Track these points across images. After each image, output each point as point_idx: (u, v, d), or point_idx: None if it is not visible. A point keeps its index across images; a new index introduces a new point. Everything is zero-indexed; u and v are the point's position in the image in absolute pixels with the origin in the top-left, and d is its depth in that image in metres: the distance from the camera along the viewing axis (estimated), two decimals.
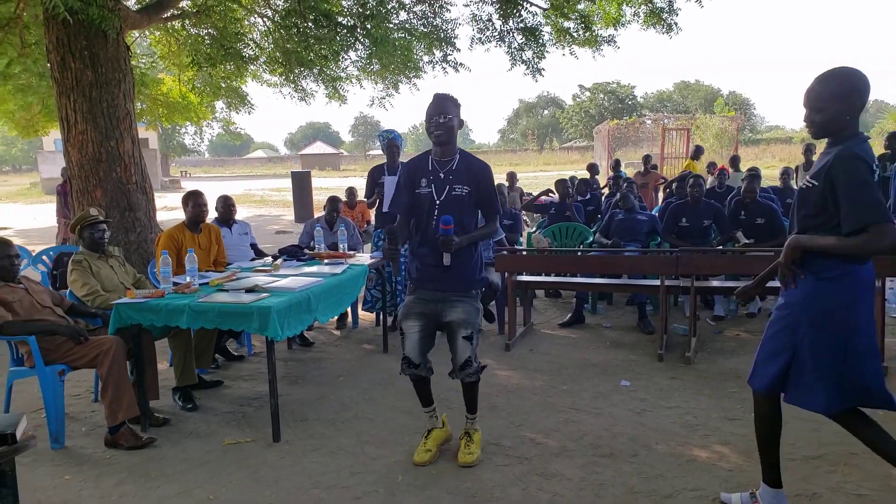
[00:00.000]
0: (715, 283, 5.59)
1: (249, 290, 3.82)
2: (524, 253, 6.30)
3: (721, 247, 6.16)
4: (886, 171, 7.80)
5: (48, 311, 3.75)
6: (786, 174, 8.02)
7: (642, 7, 8.75)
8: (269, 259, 5.14)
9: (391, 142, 5.58)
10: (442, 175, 3.20)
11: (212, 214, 5.55)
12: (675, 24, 8.71)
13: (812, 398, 2.45)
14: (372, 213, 7.00)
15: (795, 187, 8.54)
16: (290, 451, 3.49)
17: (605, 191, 9.83)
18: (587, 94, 64.85)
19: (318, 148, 62.52)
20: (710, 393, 4.19)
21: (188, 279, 3.98)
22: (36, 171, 38.07)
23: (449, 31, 9.20)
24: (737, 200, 6.42)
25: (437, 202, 3.19)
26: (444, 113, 3.12)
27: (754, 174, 6.69)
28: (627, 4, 8.86)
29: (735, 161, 10.94)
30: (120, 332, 3.67)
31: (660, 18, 8.71)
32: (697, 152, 11.51)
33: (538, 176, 30.42)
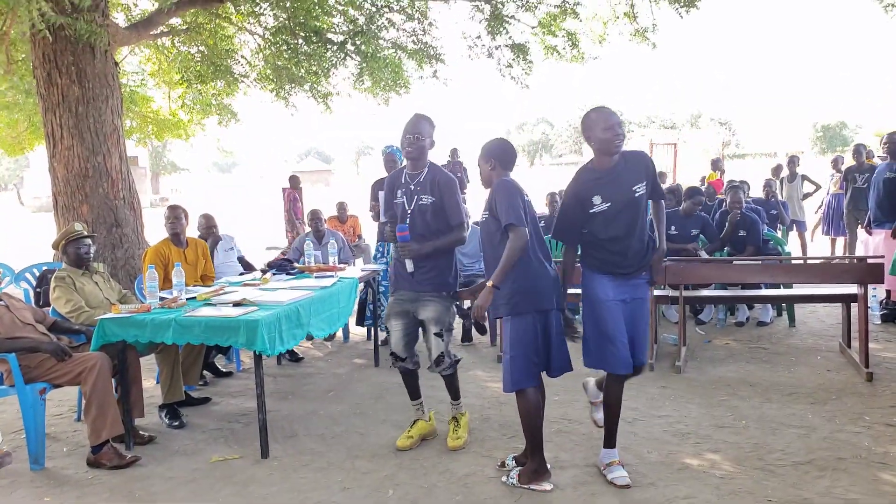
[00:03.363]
0: (704, 293, 5.60)
1: (237, 304, 3.78)
2: None
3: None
4: (857, 183, 7.90)
5: (30, 328, 3.68)
6: (769, 186, 8.07)
7: (627, 27, 8.94)
8: (258, 273, 5.11)
9: (389, 156, 5.59)
10: (412, 187, 3.56)
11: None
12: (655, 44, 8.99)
13: None
14: (366, 227, 6.96)
15: (781, 198, 8.61)
16: (279, 468, 3.44)
17: None
18: (578, 111, 65.55)
19: (311, 164, 62.70)
20: (701, 401, 4.18)
21: (175, 293, 3.94)
22: (23, 190, 37.84)
23: (438, 48, 9.27)
24: (722, 212, 6.45)
25: (408, 211, 3.54)
26: (418, 133, 3.48)
27: (737, 186, 6.72)
28: (613, 23, 9.03)
29: (717, 164, 11.77)
30: (105, 348, 3.61)
31: (644, 37, 8.90)
32: (717, 163, 12.09)
33: (529, 190, 30.47)
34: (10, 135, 12.21)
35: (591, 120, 3.03)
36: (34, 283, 5.69)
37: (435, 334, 3.50)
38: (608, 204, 3.02)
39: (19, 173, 47.02)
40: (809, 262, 6.20)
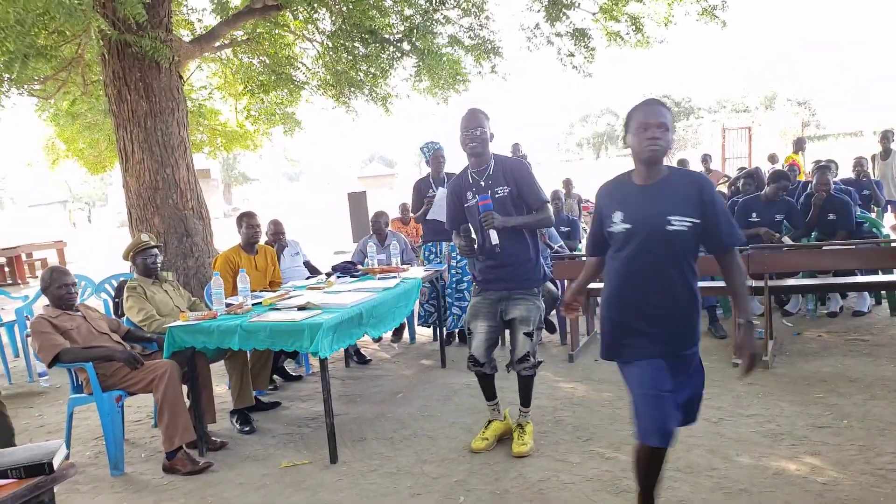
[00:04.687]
0: (790, 282, 5.23)
1: (301, 308, 3.75)
2: (583, 260, 6.05)
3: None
4: None
5: (105, 338, 3.77)
6: (860, 164, 7.48)
7: (694, 6, 8.50)
8: (323, 276, 5.10)
9: (437, 152, 5.49)
10: (483, 183, 3.43)
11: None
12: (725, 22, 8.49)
13: None
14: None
15: (874, 177, 7.99)
16: (348, 473, 3.38)
17: None
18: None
19: (375, 169, 63.63)
20: (794, 399, 3.86)
21: (240, 299, 3.95)
22: (107, 206, 39.91)
23: (496, 41, 9.10)
24: (807, 195, 6.01)
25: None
26: (478, 126, 3.38)
27: (825, 166, 6.23)
28: (679, 3, 8.61)
29: (800, 143, 10.94)
30: (175, 355, 3.65)
31: (713, 15, 8.46)
32: (800, 143, 11.09)
33: (597, 184, 29.85)
34: (92, 154, 12.80)
35: None
36: (113, 293, 5.89)
37: (525, 334, 3.39)
38: None
39: (104, 191, 49.65)
40: None
